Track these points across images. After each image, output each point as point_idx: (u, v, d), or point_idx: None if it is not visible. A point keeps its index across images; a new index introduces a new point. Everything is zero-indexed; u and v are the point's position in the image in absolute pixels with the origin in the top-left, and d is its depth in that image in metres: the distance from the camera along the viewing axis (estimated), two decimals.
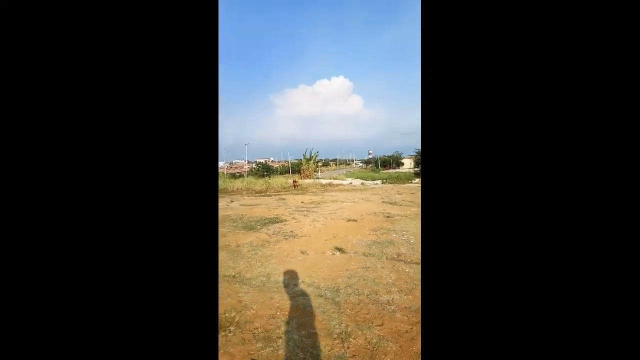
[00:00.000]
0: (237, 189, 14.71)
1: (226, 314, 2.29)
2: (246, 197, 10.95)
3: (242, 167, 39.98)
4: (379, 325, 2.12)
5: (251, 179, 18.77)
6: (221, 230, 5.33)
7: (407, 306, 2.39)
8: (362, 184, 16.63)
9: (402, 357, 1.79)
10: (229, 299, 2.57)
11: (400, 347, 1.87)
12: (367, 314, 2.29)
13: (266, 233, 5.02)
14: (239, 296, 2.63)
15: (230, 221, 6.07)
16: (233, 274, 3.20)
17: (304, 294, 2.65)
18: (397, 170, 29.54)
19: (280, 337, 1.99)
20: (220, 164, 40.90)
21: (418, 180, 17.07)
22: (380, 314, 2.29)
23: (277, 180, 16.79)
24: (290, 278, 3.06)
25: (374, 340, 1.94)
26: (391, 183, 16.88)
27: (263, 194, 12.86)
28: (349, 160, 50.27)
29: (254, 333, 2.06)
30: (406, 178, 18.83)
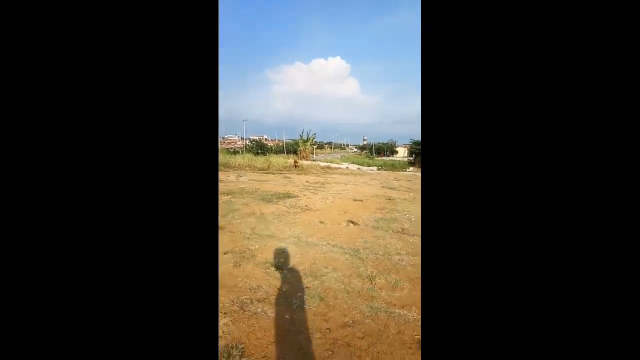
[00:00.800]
0: (239, 164, 15.15)
1: (282, 259, 2.95)
2: (251, 173, 11.47)
3: (235, 142, 39.76)
4: (395, 273, 2.83)
5: (250, 155, 19.14)
6: (243, 200, 5.93)
7: (415, 264, 3.11)
8: (359, 169, 17.34)
9: (414, 291, 2.51)
10: (275, 249, 3.23)
11: (413, 285, 2.59)
12: (384, 265, 3.00)
13: (284, 205, 5.65)
14: (282, 250, 3.28)
15: (247, 193, 6.66)
16: (269, 234, 3.85)
17: (332, 251, 3.33)
18: (391, 158, 30.32)
19: (324, 275, 2.68)
20: None
21: (412, 168, 17.93)
22: (395, 266, 3.00)
23: (278, 160, 17.27)
24: (317, 239, 3.73)
25: (393, 281, 2.65)
26: (387, 170, 17.67)
27: (265, 171, 13.36)
28: (343, 145, 50.62)
29: (303, 272, 2.73)
30: (400, 166, 19.64)
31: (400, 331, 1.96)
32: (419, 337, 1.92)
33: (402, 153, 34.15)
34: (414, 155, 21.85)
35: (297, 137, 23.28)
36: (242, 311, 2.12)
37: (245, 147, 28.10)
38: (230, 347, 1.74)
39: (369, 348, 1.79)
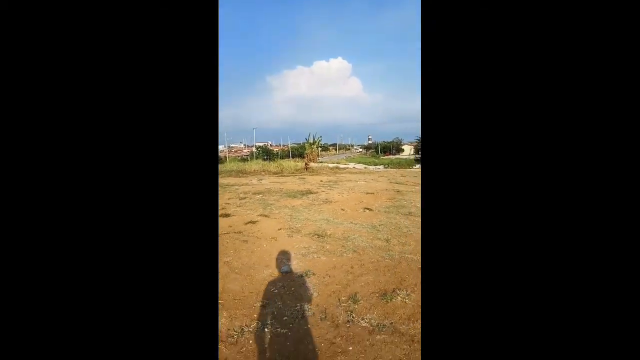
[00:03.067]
0: (254, 170, 16.38)
1: (319, 232, 4.07)
2: (269, 177, 12.64)
3: (242, 150, 41.22)
4: (404, 237, 3.92)
5: (261, 161, 20.44)
6: (273, 197, 7.07)
7: (417, 238, 4.19)
8: (365, 168, 18.41)
9: (419, 246, 3.59)
10: (313, 227, 4.34)
11: (417, 244, 3.67)
12: (396, 233, 4.08)
13: (307, 199, 6.77)
14: (319, 227, 4.39)
15: (274, 192, 7.80)
16: (304, 218, 4.96)
17: (355, 226, 4.43)
18: (397, 156, 31.20)
19: (353, 239, 3.78)
20: (220, 147, 42.22)
21: (418, 166, 18.91)
22: (405, 233, 4.08)
23: (289, 164, 18.47)
24: (342, 220, 4.83)
25: (403, 241, 3.74)
26: (394, 168, 18.69)
27: (280, 174, 14.52)
28: (348, 145, 51.56)
29: (337, 238, 3.84)
30: (407, 164, 20.62)
31: (408, 264, 3.05)
32: (419, 267, 3.01)
33: (408, 151, 34.98)
34: (420, 152, 22.77)
35: (302, 141, 24.38)
36: (304, 257, 3.24)
37: (252, 155, 29.29)
38: (305, 272, 2.85)
39: (389, 270, 2.89)
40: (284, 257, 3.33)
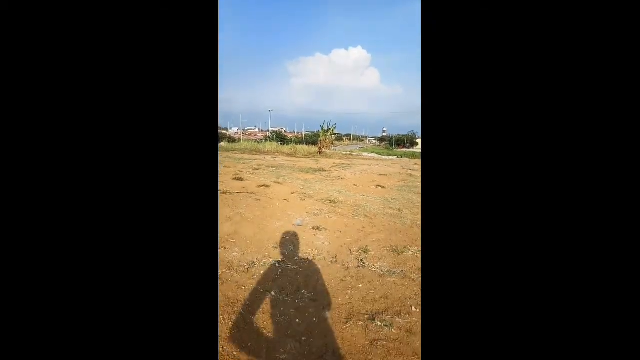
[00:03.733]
0: (268, 150, 16.48)
1: (332, 199, 4.07)
2: (282, 157, 12.69)
3: (256, 134, 41.49)
4: (418, 210, 3.86)
5: (276, 144, 20.52)
6: (285, 171, 7.11)
7: None
8: (379, 157, 18.19)
9: None
10: (326, 194, 4.34)
11: None
12: (410, 206, 4.03)
13: (320, 175, 6.77)
14: (331, 195, 4.39)
15: (287, 167, 7.84)
16: (317, 188, 4.97)
17: (367, 198, 4.40)
18: (411, 149, 30.68)
19: (366, 206, 3.76)
20: (235, 129, 42.54)
21: None
22: (418, 207, 4.02)
23: (303, 147, 18.47)
24: (354, 193, 4.81)
25: (416, 212, 3.69)
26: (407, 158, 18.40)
27: (293, 156, 14.56)
28: (362, 137, 50.99)
29: (349, 205, 3.83)
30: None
31: (419, 228, 3.01)
32: None
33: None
34: None
35: (316, 130, 24.31)
36: (316, 216, 3.26)
37: (267, 139, 29.40)
38: (317, 226, 2.87)
39: (401, 232, 2.87)
40: (296, 214, 3.36)
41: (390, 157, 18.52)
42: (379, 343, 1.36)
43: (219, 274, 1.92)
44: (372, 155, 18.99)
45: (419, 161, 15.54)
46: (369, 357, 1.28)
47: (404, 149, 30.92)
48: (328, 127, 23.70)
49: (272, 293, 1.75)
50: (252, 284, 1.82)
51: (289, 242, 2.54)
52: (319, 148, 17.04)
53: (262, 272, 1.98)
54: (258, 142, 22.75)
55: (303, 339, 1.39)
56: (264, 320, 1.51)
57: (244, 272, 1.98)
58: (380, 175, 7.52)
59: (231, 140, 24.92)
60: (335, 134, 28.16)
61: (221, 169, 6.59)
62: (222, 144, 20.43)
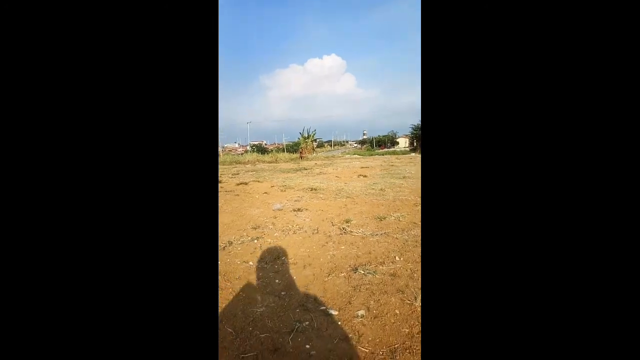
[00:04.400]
0: (248, 160, 16.27)
1: (313, 189, 4.01)
2: (264, 164, 12.55)
3: (236, 150, 40.99)
4: (398, 187, 3.88)
5: (256, 154, 20.33)
6: (266, 173, 7.00)
7: (413, 188, 4.16)
8: (361, 156, 18.39)
9: (412, 195, 3.55)
10: (307, 185, 4.28)
11: (410, 192, 3.63)
12: (391, 187, 4.04)
13: (301, 173, 6.71)
14: (312, 185, 4.34)
15: (267, 171, 7.73)
16: (298, 182, 4.90)
17: (350, 185, 4.38)
18: (393, 149, 31.29)
19: (345, 192, 3.73)
20: None
21: (413, 154, 18.94)
22: (399, 187, 4.05)
23: (284, 155, 18.41)
24: (336, 183, 4.78)
25: (397, 190, 3.70)
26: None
27: (274, 162, 14.44)
28: (343, 142, 51.58)
29: (331, 191, 3.79)
30: (402, 154, 20.66)
31: (402, 202, 3.01)
32: (414, 204, 2.97)
33: (403, 144, 34.96)
34: (415, 142, 22.81)
35: (296, 139, 24.36)
36: (296, 202, 3.18)
37: (246, 153, 29.13)
38: (298, 208, 2.79)
39: (383, 205, 2.85)
40: (276, 201, 3.27)
41: (373, 157, 18.79)
42: (362, 287, 1.30)
43: None
44: (355, 156, 19.19)
45: (400, 156, 15.85)
46: (352, 300, 1.21)
47: (386, 149, 31.49)
48: (308, 133, 23.82)
49: (250, 263, 1.65)
50: (228, 259, 1.72)
51: (269, 222, 2.44)
52: (300, 154, 17.04)
53: (239, 249, 1.88)
54: (238, 156, 22.48)
55: (282, 293, 1.30)
56: (240, 285, 1.41)
57: (220, 250, 1.86)
58: (362, 167, 7.56)
59: None
60: (315, 140, 28.34)
61: None
62: None
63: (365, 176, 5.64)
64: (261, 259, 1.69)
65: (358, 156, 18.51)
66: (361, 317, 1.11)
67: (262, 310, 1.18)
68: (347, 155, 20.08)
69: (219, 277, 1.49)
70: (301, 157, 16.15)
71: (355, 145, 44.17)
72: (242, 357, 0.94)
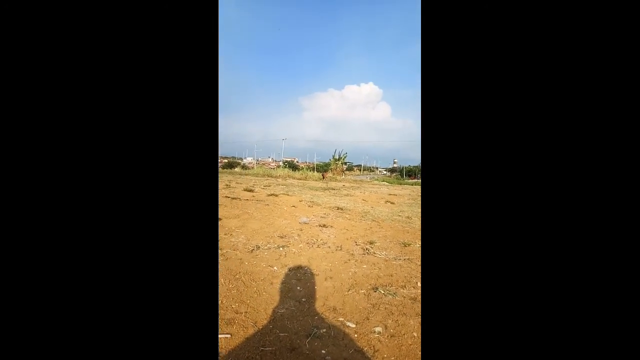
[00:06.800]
0: (279, 175, 16.83)
1: (340, 208, 4.07)
2: (294, 180, 12.89)
3: (269, 164, 42.71)
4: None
5: (288, 170, 21.02)
6: (295, 188, 7.20)
7: None
8: (389, 184, 18.12)
9: None
10: (334, 204, 4.34)
11: None
12: (416, 215, 3.96)
13: (329, 192, 6.80)
14: (339, 204, 4.39)
15: (297, 186, 7.94)
16: (325, 200, 4.99)
17: (376, 209, 4.37)
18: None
19: (371, 214, 3.72)
20: (249, 159, 44.02)
21: None
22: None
23: (314, 174, 18.81)
24: (363, 205, 4.79)
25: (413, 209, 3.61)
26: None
27: (303, 179, 14.75)
28: (373, 167, 51.24)
29: (357, 212, 3.81)
30: None
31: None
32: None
33: None
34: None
35: (327, 159, 24.83)
36: (322, 219, 3.25)
37: (278, 167, 30.15)
38: (324, 224, 2.86)
39: (409, 232, 2.81)
40: (303, 215, 3.37)
41: (402, 185, 18.41)
42: (381, 306, 1.31)
43: (223, 252, 1.93)
44: (383, 183, 18.98)
45: None
46: (370, 316, 1.22)
47: (415, 180, 30.66)
48: (339, 155, 24.15)
49: (275, 268, 1.73)
50: (255, 261, 1.81)
51: (294, 233, 2.53)
52: (323, 175, 17.31)
53: (265, 253, 1.97)
54: (271, 169, 23.42)
55: (303, 300, 1.35)
56: (264, 286, 1.48)
57: (247, 252, 1.97)
58: (390, 194, 7.47)
59: (245, 167, 25.84)
60: (346, 163, 28.58)
61: (233, 185, 6.75)
62: (236, 169, 21.12)
63: (392, 203, 5.57)
64: (285, 266, 1.77)
65: (387, 183, 18.27)
66: (378, 334, 1.12)
67: (282, 311, 1.24)
68: (375, 181, 19.92)
69: (246, 276, 1.58)
70: (323, 177, 16.37)
71: (385, 172, 43.64)
72: (262, 349, 1.00)
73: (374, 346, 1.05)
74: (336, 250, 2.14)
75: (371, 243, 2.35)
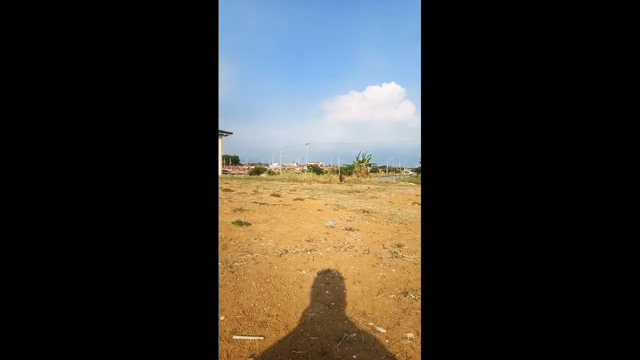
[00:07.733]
0: (304, 179, 17.06)
1: (366, 210, 4.03)
2: (319, 184, 12.98)
3: (294, 169, 43.50)
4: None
5: (312, 174, 21.28)
6: (320, 192, 7.24)
7: None
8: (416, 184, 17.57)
9: None
10: (360, 207, 4.31)
11: None
12: None
13: (354, 195, 6.75)
14: (365, 207, 4.35)
15: (321, 190, 7.99)
16: (351, 204, 4.96)
17: (403, 211, 4.26)
18: None
19: (398, 217, 3.64)
20: (275, 164, 45.26)
21: None
22: None
23: (337, 177, 18.85)
24: (389, 208, 4.69)
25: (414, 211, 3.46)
26: None
27: (328, 183, 14.79)
28: (398, 168, 50.06)
29: (384, 215, 3.74)
30: None
31: None
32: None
33: None
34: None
35: (351, 162, 24.73)
36: (349, 222, 3.24)
37: (303, 172, 30.61)
38: (350, 228, 2.85)
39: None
40: (328, 219, 3.38)
41: None
42: (412, 311, 1.28)
43: (254, 256, 2.00)
44: (409, 184, 18.46)
45: None
46: (401, 321, 1.20)
47: None
48: (363, 157, 23.98)
49: (303, 272, 1.75)
50: (284, 265, 1.86)
51: (321, 237, 2.55)
52: (340, 176, 17.26)
53: (294, 257, 2.01)
54: (296, 174, 23.84)
55: (332, 304, 1.36)
56: (294, 289, 1.51)
57: (277, 256, 2.03)
58: (417, 195, 7.24)
59: (271, 173, 26.61)
60: (370, 165, 28.26)
61: (261, 190, 6.96)
62: (263, 175, 21.81)
63: (420, 204, 5.40)
64: (313, 270, 1.79)
65: (413, 184, 17.74)
66: (410, 340, 1.10)
67: (312, 315, 1.26)
68: (401, 182, 19.43)
69: (276, 279, 1.63)
70: (341, 180, 16.32)
71: (411, 172, 42.37)
72: (294, 352, 1.02)
73: (406, 352, 1.03)
74: (363, 253, 2.13)
75: (399, 246, 2.30)
